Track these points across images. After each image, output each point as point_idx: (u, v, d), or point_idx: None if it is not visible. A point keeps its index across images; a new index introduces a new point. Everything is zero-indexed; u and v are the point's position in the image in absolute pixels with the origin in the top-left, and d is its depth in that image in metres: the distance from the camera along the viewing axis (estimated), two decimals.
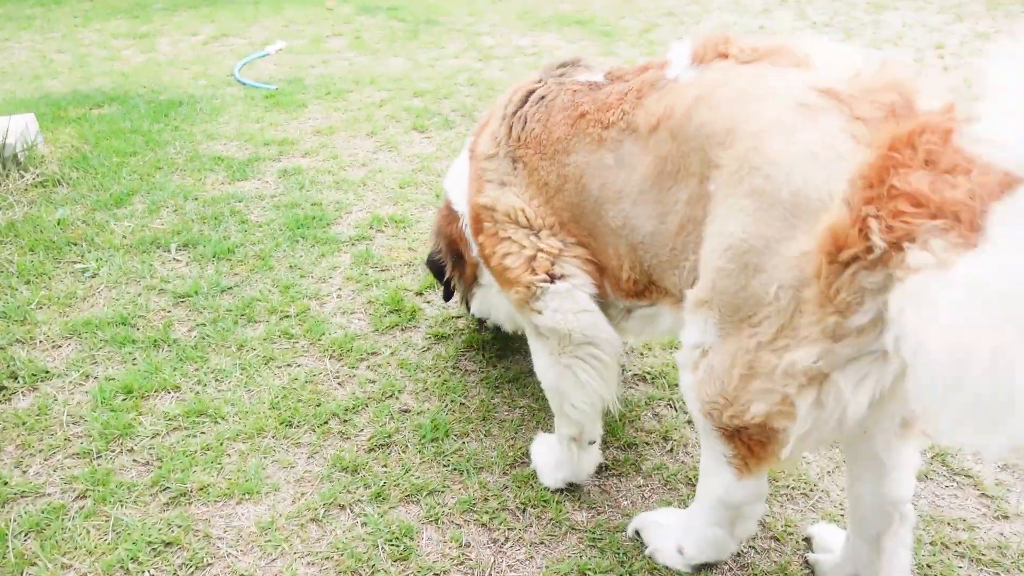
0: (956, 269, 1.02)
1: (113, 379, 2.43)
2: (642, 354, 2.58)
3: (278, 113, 4.91)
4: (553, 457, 2.03)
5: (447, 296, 2.50)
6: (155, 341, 2.61)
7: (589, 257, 1.82)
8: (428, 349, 2.61)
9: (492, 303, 2.27)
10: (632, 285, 1.74)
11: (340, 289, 2.95)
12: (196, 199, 3.67)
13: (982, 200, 1.06)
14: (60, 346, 2.61)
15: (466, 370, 2.52)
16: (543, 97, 1.84)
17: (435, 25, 7.43)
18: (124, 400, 2.35)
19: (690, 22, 7.46)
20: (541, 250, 1.82)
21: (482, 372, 2.50)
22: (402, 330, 2.71)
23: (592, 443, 2.01)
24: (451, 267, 2.29)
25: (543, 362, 1.95)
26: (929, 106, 1.28)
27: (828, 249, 1.20)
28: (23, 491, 2.02)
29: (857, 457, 1.61)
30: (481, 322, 2.60)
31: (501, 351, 2.59)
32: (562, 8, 8.09)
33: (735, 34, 1.62)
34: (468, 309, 2.45)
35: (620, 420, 2.28)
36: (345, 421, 2.28)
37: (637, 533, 1.89)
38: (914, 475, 1.61)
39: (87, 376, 2.46)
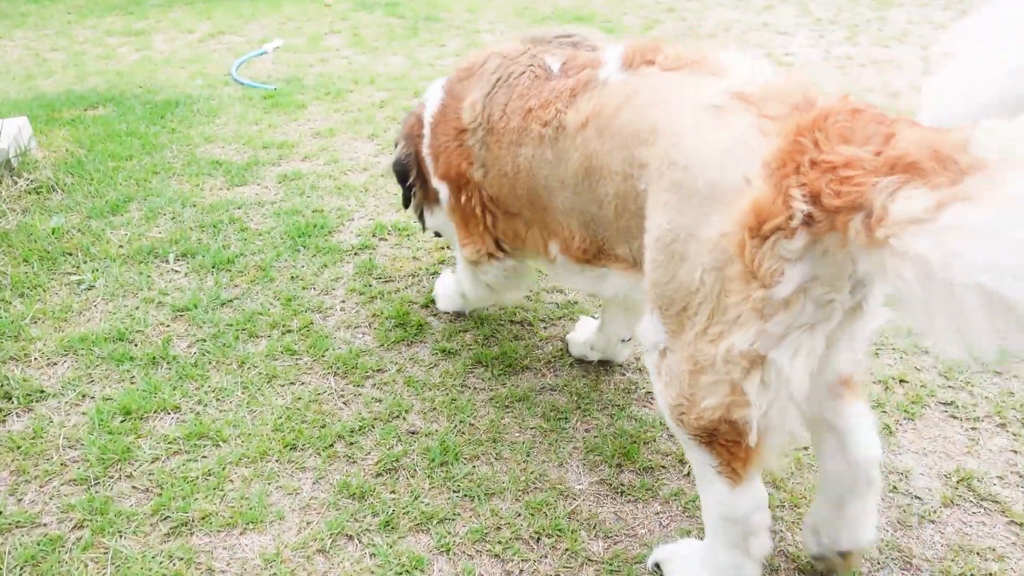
0: (989, 191, 1.05)
1: (111, 399, 2.36)
2: None
3: (277, 114, 4.81)
4: (447, 292, 2.69)
5: (406, 203, 2.60)
6: (154, 358, 2.53)
7: (536, 234, 2.05)
8: (435, 365, 2.54)
9: (445, 224, 2.46)
10: (583, 253, 1.91)
11: (344, 302, 2.88)
12: (194, 206, 3.59)
13: (933, 147, 1.13)
14: (56, 363, 2.54)
15: (474, 388, 2.44)
16: (511, 74, 1.99)
17: (435, 22, 7.32)
18: (122, 422, 2.27)
19: (692, 19, 7.37)
20: (488, 229, 2.13)
21: (491, 390, 2.43)
22: (408, 345, 2.64)
23: None
24: (415, 175, 2.44)
25: (465, 278, 2.44)
26: (828, 101, 1.40)
27: (751, 224, 1.30)
28: (18, 521, 1.95)
29: (815, 431, 1.67)
30: (424, 227, 2.66)
31: (509, 368, 2.52)
32: (561, 4, 7.99)
33: (664, 42, 1.76)
34: (420, 219, 2.62)
35: (635, 442, 2.21)
36: (351, 443, 2.21)
37: (657, 566, 1.82)
38: (875, 433, 1.64)
39: (84, 396, 2.39)
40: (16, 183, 3.63)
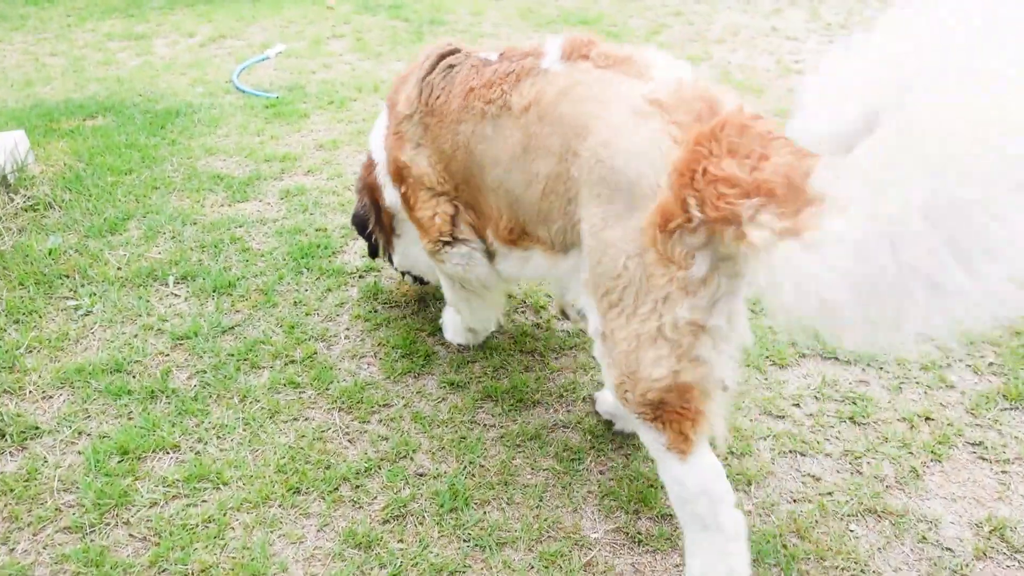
0: (817, 232, 1.25)
1: (107, 437, 2.27)
2: None
3: (279, 124, 4.73)
4: (453, 324, 2.65)
5: (372, 253, 2.79)
6: (152, 392, 2.45)
7: (476, 221, 2.19)
8: (443, 399, 2.46)
9: (412, 256, 2.64)
10: (508, 233, 2.05)
11: (348, 329, 2.79)
12: (195, 223, 3.50)
13: (789, 175, 1.34)
14: (51, 397, 2.46)
15: (484, 424, 2.36)
16: (451, 67, 2.12)
17: (439, 25, 7.22)
18: (120, 462, 2.19)
19: (700, 23, 7.26)
20: (438, 214, 2.21)
21: (501, 427, 2.35)
22: (415, 377, 2.55)
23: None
24: (373, 220, 2.61)
25: (447, 288, 2.49)
26: (727, 109, 1.56)
27: (659, 222, 1.52)
28: (10, 573, 1.87)
29: None
30: (404, 274, 2.84)
31: (520, 402, 2.44)
32: (566, 6, 7.88)
33: (597, 39, 1.91)
34: (392, 263, 2.78)
35: (652, 486, 2.12)
36: (357, 487, 2.13)
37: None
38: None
39: (80, 433, 2.31)
40: (12, 200, 3.55)
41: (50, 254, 3.20)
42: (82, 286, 3.02)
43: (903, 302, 1.17)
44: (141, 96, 5.30)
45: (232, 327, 2.79)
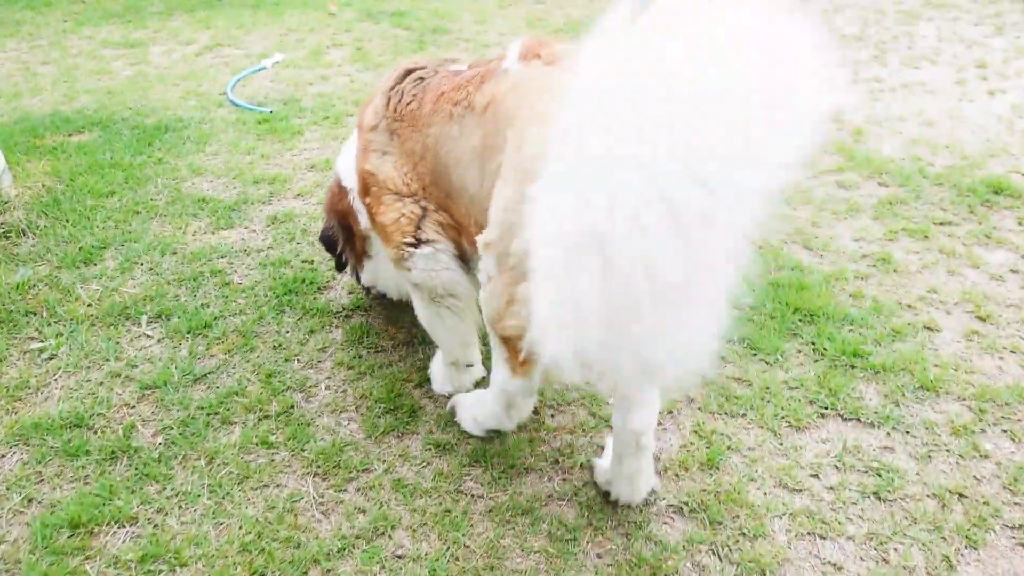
0: None
1: (59, 506, 2.08)
2: (677, 475, 2.21)
3: (271, 142, 4.53)
4: (441, 374, 2.52)
5: (339, 267, 2.89)
6: (113, 452, 2.26)
7: (450, 222, 2.21)
8: (428, 464, 2.25)
9: (379, 273, 2.70)
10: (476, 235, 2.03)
11: (330, 377, 2.59)
12: (175, 253, 3.31)
13: None
14: (3, 456, 2.27)
15: (471, 495, 2.16)
16: (422, 79, 2.20)
17: (443, 34, 7.01)
18: (70, 537, 2.00)
19: None
20: (404, 215, 2.22)
21: (490, 498, 2.14)
22: (399, 436, 2.35)
23: (470, 366, 2.51)
24: (342, 242, 2.68)
25: (419, 306, 2.42)
26: None
27: None
28: None
29: (617, 396, 1.98)
30: (367, 290, 2.90)
31: (511, 468, 2.23)
32: (574, 15, 7.66)
33: (552, 40, 1.98)
34: (358, 280, 2.85)
35: (655, 572, 1.92)
36: (328, 571, 1.93)
37: (452, 410, 2.38)
38: (654, 413, 1.98)
39: (30, 501, 2.12)
40: None
41: (18, 288, 3.02)
42: (49, 324, 2.83)
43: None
44: (131, 109, 5.12)
45: (205, 375, 2.59)
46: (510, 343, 1.94)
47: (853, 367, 2.58)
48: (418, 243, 2.22)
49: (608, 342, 1.34)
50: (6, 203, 3.58)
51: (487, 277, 1.92)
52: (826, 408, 2.42)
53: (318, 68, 6.11)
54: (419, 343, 2.76)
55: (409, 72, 2.24)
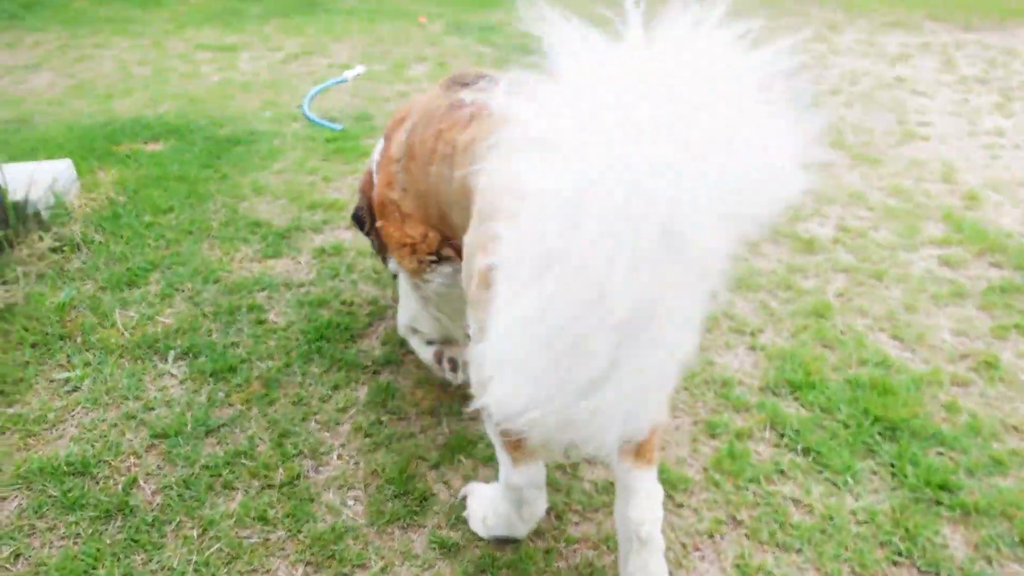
0: None
1: (43, 570, 1.98)
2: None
3: (336, 163, 4.45)
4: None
5: (375, 246, 2.81)
6: (108, 510, 2.16)
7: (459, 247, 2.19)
8: (430, 566, 2.03)
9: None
10: None
11: (344, 445, 2.42)
12: (217, 282, 3.24)
13: None
14: (5, 499, 2.20)
15: None
16: (434, 110, 2.13)
17: (528, 54, 6.81)
18: None
19: (815, 65, 6.54)
20: (429, 235, 2.24)
21: None
22: (404, 528, 2.15)
23: (431, 343, 2.58)
24: (369, 224, 2.66)
25: (409, 301, 2.52)
26: None
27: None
28: None
29: (617, 484, 1.85)
30: (395, 276, 2.83)
31: None
32: None
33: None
34: (384, 263, 2.84)
35: None
36: None
37: (464, 499, 2.18)
38: (655, 503, 1.78)
39: (18, 556, 2.03)
40: (41, 240, 3.39)
41: (59, 309, 3.00)
42: (80, 352, 2.79)
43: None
44: (208, 119, 5.16)
45: (219, 427, 2.47)
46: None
47: (939, 503, 2.19)
48: (440, 260, 2.27)
49: (552, 377, 1.26)
50: (69, 215, 3.61)
51: (472, 336, 1.83)
52: (900, 555, 2.05)
53: (398, 83, 6.03)
54: (444, 413, 2.55)
55: (426, 111, 2.21)
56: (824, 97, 5.72)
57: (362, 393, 2.65)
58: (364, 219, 2.72)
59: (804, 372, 2.69)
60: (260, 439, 2.43)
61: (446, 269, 2.24)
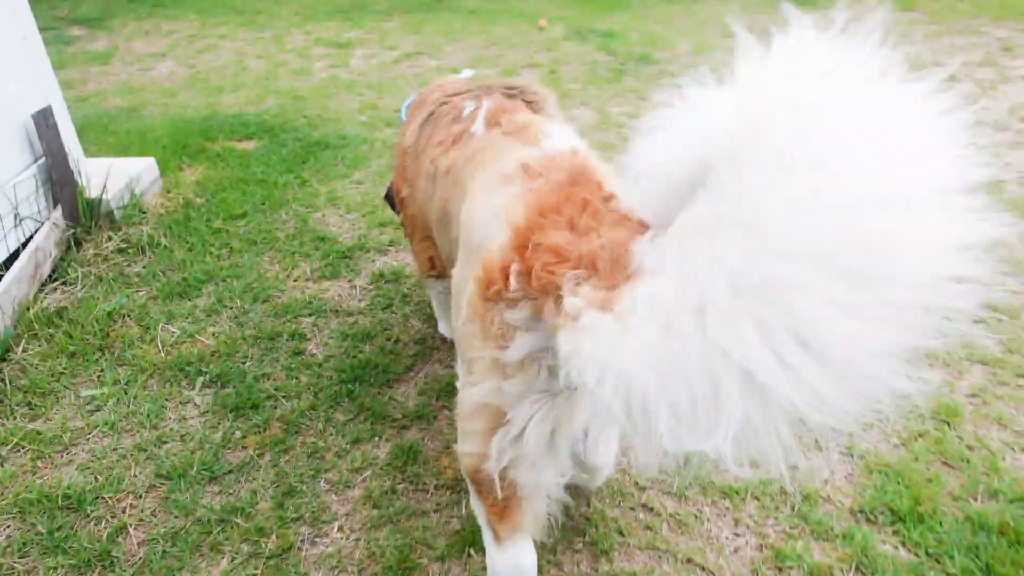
0: (624, 299, 1.10)
1: None
2: None
3: None
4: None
5: (405, 230, 2.69)
6: (88, 559, 2.01)
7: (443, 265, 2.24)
8: None
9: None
10: None
11: (349, 515, 2.17)
12: (267, 301, 3.09)
13: (613, 249, 1.21)
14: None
15: None
16: (442, 116, 2.12)
17: (647, 64, 6.35)
18: None
19: (983, 97, 5.66)
20: (427, 253, 2.35)
21: None
22: None
23: None
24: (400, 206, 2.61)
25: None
26: (584, 182, 1.45)
27: (482, 284, 1.38)
28: None
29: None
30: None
31: None
32: None
33: (515, 106, 1.95)
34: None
35: None
36: None
37: None
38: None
39: None
40: (110, 239, 3.38)
41: (108, 316, 2.95)
42: (114, 368, 2.70)
43: (714, 391, 0.99)
44: (305, 119, 5.11)
45: (225, 473, 2.28)
46: (482, 487, 1.56)
47: None
48: (439, 276, 2.40)
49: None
50: (143, 215, 3.60)
51: (459, 377, 1.72)
52: None
53: None
54: (465, 490, 2.23)
55: (443, 104, 2.21)
56: (986, 135, 4.90)
57: (383, 451, 2.39)
58: (395, 200, 2.65)
59: (912, 498, 2.16)
60: (262, 495, 2.21)
61: (445, 283, 2.31)
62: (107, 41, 7.33)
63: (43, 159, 3.16)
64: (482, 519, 1.65)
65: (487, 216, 1.52)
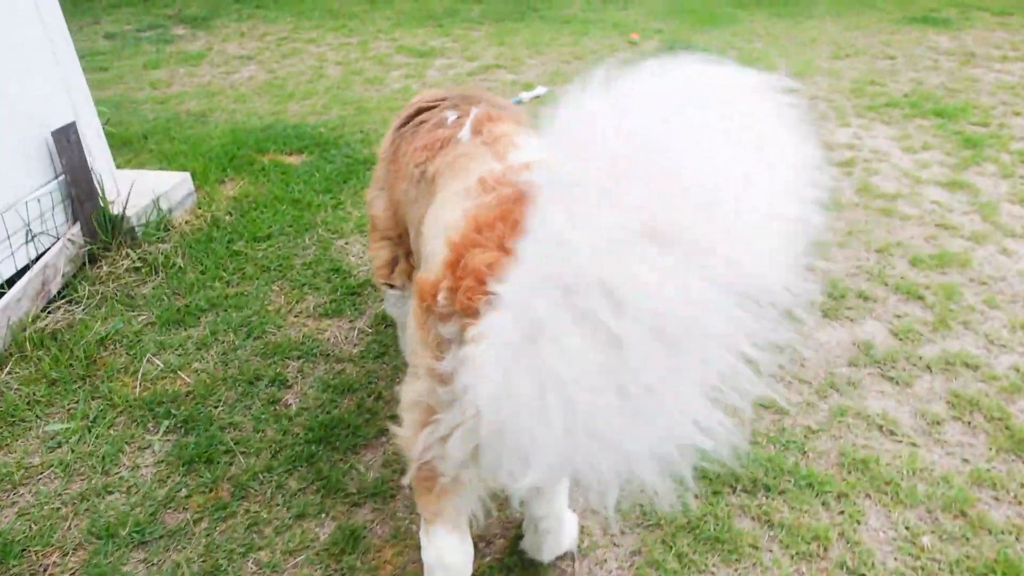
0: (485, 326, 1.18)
1: None
2: None
3: None
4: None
5: None
6: None
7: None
8: None
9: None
10: None
11: None
12: (259, 338, 2.95)
13: None
14: None
15: None
16: (423, 121, 2.13)
17: None
18: None
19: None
20: (383, 259, 2.39)
21: None
22: None
23: None
24: None
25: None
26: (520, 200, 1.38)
27: (420, 294, 1.42)
28: None
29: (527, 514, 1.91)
30: None
31: None
32: (922, 87, 5.84)
33: (500, 115, 1.89)
34: None
35: None
36: None
37: None
38: (561, 538, 1.92)
39: None
40: (127, 257, 3.36)
41: (100, 342, 2.89)
42: (89, 400, 2.63)
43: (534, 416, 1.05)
44: (361, 134, 4.99)
45: (157, 538, 2.13)
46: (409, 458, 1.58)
47: None
48: (391, 286, 2.42)
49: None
50: (166, 233, 3.56)
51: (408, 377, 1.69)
52: None
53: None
54: None
55: (420, 111, 2.19)
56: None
57: (326, 531, 2.16)
58: None
59: None
60: (185, 570, 2.04)
61: (396, 293, 2.41)
62: (205, 42, 7.56)
63: (63, 176, 3.16)
64: (415, 497, 1.67)
65: (439, 230, 1.55)
